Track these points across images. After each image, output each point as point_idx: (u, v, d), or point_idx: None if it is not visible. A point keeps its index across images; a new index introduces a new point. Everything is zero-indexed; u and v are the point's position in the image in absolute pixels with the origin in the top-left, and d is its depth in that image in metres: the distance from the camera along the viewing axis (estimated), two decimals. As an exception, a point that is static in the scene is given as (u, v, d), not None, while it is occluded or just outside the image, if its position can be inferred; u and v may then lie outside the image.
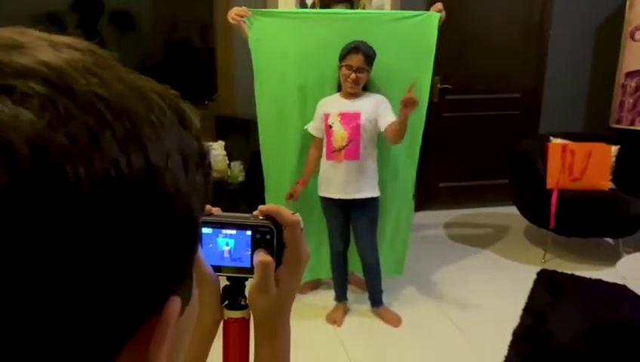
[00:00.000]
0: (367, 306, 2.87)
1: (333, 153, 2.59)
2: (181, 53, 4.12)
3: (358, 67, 2.49)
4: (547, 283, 3.16)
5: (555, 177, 3.48)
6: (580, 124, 4.51)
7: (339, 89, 2.66)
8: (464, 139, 4.40)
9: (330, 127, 2.59)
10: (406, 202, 2.95)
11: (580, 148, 3.55)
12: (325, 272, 2.96)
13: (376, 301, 2.82)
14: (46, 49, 0.26)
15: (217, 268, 0.57)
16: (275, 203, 0.59)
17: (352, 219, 2.69)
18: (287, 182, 2.77)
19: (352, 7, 2.83)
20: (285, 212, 0.55)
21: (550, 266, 3.39)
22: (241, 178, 3.58)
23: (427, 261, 3.43)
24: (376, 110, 2.55)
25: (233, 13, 2.60)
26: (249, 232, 0.55)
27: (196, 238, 0.32)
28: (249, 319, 0.58)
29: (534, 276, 3.24)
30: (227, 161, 3.54)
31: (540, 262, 3.44)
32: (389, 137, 2.49)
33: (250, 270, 0.55)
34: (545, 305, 2.92)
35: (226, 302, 0.59)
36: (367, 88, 2.63)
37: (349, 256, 2.80)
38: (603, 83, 4.20)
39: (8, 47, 0.25)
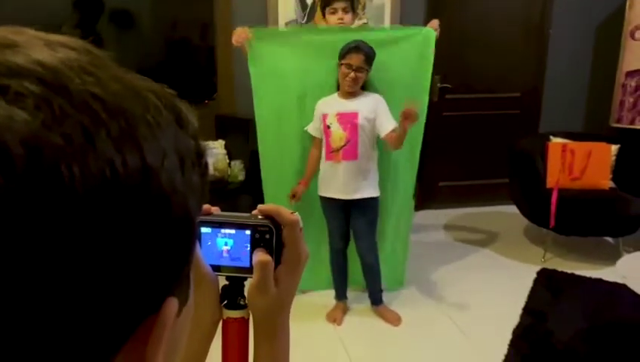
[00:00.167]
0: (367, 305, 2.87)
1: (332, 153, 2.59)
2: (181, 53, 4.12)
3: (357, 66, 2.49)
4: (547, 283, 3.16)
5: (555, 176, 3.48)
6: (580, 124, 4.51)
7: (337, 88, 2.66)
8: (464, 138, 4.39)
9: (329, 127, 2.59)
10: (406, 204, 2.95)
11: (580, 147, 3.55)
12: (324, 282, 2.96)
13: (376, 300, 2.83)
14: (41, 48, 0.26)
15: (216, 268, 0.57)
16: (274, 202, 0.59)
17: (351, 219, 2.69)
18: (286, 183, 2.77)
19: (352, 5, 2.82)
20: (284, 211, 0.55)
21: (550, 265, 3.39)
22: (241, 177, 3.58)
23: (427, 260, 3.43)
24: (375, 110, 2.55)
25: (236, 35, 2.61)
26: (248, 232, 0.55)
27: (193, 238, 0.32)
28: (248, 319, 0.58)
29: (534, 275, 3.24)
30: (227, 160, 3.54)
31: (540, 262, 3.44)
32: (389, 144, 2.54)
33: (249, 269, 0.55)
34: (545, 305, 2.92)
35: (225, 302, 0.59)
36: (365, 88, 2.63)
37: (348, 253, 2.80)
38: (603, 82, 4.20)
39: (3, 46, 0.25)
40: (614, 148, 3.60)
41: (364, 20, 3.94)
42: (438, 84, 4.16)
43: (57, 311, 0.23)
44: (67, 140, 0.23)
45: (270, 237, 0.55)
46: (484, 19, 4.22)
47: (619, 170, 3.59)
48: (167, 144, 0.28)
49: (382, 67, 2.64)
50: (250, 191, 3.41)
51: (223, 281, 0.59)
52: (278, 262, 0.55)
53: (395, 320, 2.77)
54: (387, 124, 2.53)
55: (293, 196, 2.68)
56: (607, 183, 3.54)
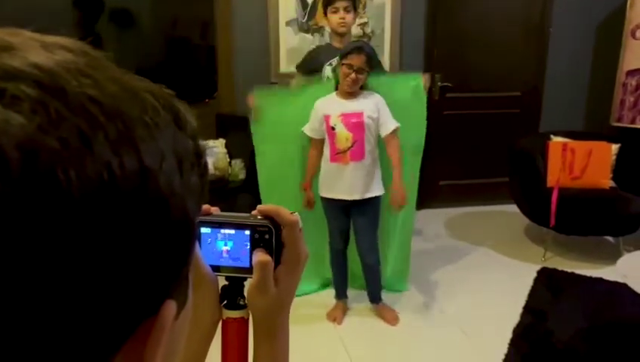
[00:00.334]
0: (367, 305, 2.87)
1: (338, 155, 2.57)
2: (181, 51, 4.12)
3: (358, 67, 2.47)
4: (547, 282, 3.16)
5: (556, 175, 3.48)
6: (580, 123, 4.50)
7: (335, 88, 2.64)
8: (465, 137, 4.39)
9: (333, 128, 2.56)
10: (408, 205, 2.94)
11: (581, 146, 3.54)
12: (324, 282, 2.96)
13: (375, 298, 2.83)
14: (37, 50, 0.25)
15: (216, 268, 0.57)
16: (272, 203, 0.59)
17: (353, 218, 2.69)
18: (283, 186, 2.76)
19: (354, 4, 2.82)
20: (284, 211, 0.55)
21: (550, 264, 3.39)
22: (241, 176, 3.57)
23: (427, 259, 3.43)
24: (377, 110, 2.55)
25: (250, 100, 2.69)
26: (248, 232, 0.55)
27: (192, 240, 0.31)
28: (248, 319, 0.58)
29: (534, 274, 3.24)
30: (228, 159, 3.54)
31: (540, 261, 3.44)
32: (388, 146, 2.60)
33: (249, 270, 0.55)
34: (545, 304, 2.92)
35: (225, 302, 0.59)
36: (364, 87, 2.62)
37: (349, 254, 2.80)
38: (603, 81, 4.20)
39: None
40: (615, 147, 3.60)
41: (365, 20, 3.94)
42: (439, 83, 4.16)
43: (56, 314, 0.23)
44: (63, 144, 0.23)
45: (270, 237, 0.55)
46: (484, 19, 4.22)
47: (619, 169, 3.59)
48: (166, 145, 0.28)
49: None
50: (250, 189, 3.40)
51: (222, 281, 0.59)
52: (277, 262, 0.55)
53: (392, 319, 2.77)
54: (389, 124, 2.53)
55: (308, 203, 2.66)
56: (608, 182, 3.54)
